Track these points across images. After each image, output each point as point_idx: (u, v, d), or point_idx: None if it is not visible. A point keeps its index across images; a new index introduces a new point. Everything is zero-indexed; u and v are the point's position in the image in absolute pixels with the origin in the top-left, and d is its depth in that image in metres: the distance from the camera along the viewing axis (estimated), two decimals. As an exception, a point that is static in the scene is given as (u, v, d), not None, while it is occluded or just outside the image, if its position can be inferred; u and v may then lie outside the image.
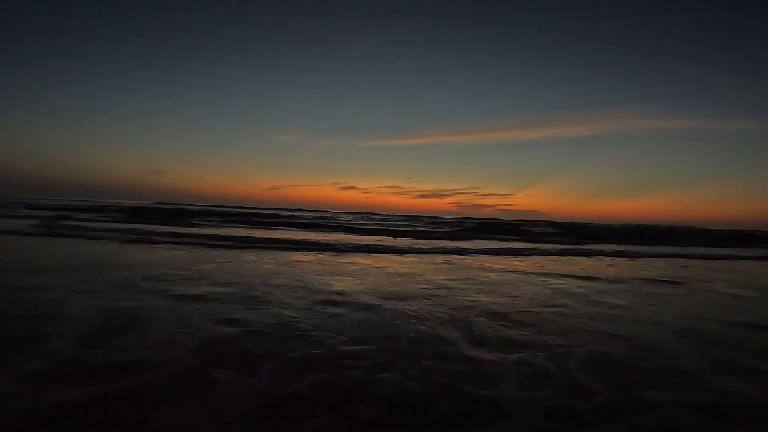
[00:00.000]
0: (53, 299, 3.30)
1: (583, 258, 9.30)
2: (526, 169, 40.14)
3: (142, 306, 3.24)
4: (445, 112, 36.87)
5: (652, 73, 29.88)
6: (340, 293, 4.06)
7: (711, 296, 4.99)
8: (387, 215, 34.93)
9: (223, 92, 33.84)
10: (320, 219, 22.14)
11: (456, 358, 2.44)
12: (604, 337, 2.97)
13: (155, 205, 28.26)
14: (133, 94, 32.56)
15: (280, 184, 52.96)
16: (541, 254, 9.68)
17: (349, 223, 19.47)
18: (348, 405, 1.80)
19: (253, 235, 10.19)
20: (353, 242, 10.20)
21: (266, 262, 6.15)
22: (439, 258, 7.93)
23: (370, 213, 37.18)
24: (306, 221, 19.32)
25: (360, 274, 5.45)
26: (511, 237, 16.11)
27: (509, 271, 6.40)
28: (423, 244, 11.03)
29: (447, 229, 18.37)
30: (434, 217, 30.55)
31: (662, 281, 5.99)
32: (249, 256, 6.68)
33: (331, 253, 8.00)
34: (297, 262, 6.41)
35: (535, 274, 6.27)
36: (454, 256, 8.54)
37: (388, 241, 11.75)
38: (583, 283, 5.55)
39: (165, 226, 12.21)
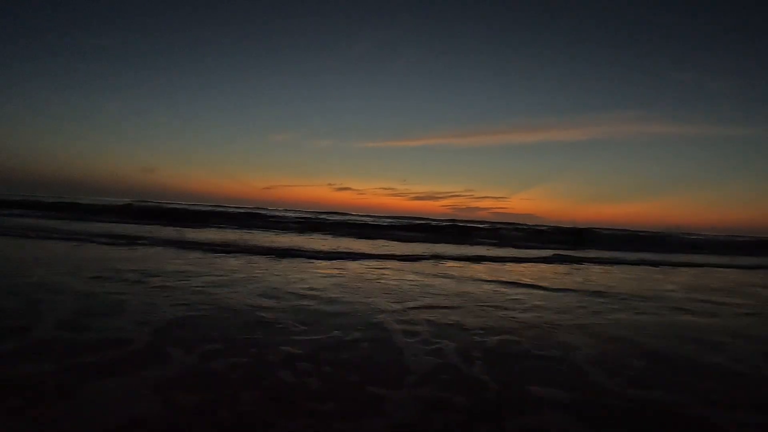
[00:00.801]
0: None
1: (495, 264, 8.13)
2: (521, 172, 40.07)
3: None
4: (440, 114, 36.65)
5: (646, 77, 30.31)
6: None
7: (620, 307, 4.42)
8: (374, 215, 34.56)
9: (219, 90, 32.73)
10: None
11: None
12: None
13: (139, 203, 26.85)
14: (125, 91, 31.09)
15: (275, 184, 51.56)
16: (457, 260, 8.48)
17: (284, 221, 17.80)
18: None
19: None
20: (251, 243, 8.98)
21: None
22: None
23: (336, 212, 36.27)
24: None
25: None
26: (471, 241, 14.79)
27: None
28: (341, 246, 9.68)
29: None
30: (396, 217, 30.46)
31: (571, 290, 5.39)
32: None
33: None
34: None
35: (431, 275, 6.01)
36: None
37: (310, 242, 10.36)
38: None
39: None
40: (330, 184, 44.76)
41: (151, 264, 5.43)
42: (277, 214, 24.25)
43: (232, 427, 1.63)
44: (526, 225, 22.50)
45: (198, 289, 4.07)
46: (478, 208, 47.82)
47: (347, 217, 24.45)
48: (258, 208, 33.04)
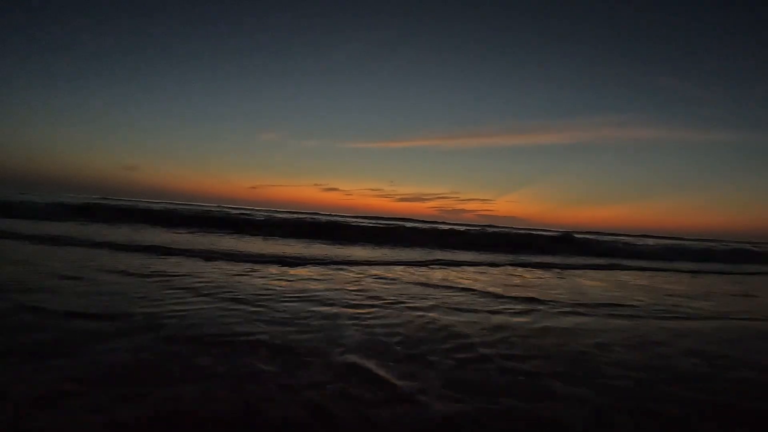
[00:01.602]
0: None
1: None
2: (507, 175, 40.70)
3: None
4: (428, 116, 36.75)
5: (630, 83, 30.38)
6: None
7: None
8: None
9: (205, 88, 32.27)
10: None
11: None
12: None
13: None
14: (109, 88, 30.51)
15: (261, 183, 51.65)
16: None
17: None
18: None
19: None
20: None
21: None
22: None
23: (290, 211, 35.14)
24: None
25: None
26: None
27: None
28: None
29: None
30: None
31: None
32: None
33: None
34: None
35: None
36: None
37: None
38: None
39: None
40: (317, 185, 45.26)
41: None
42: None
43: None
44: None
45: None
46: (464, 210, 48.26)
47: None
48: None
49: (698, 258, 13.81)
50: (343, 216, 27.07)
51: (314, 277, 5.27)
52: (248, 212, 20.29)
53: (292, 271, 5.75)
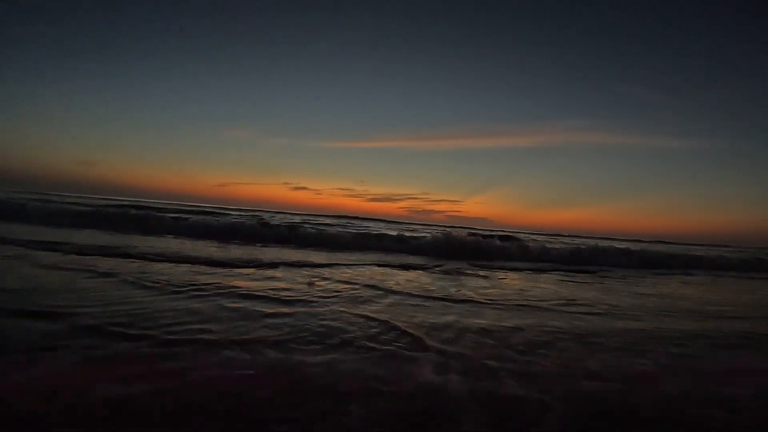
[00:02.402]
0: None
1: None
2: (476, 177, 40.96)
3: None
4: (399, 117, 37.11)
5: (594, 88, 31.10)
6: None
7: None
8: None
9: (168, 83, 30.76)
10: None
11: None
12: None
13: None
14: (65, 81, 28.30)
15: (228, 181, 49.70)
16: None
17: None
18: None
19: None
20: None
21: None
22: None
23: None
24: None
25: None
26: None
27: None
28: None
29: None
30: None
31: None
32: None
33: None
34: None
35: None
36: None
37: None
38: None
39: None
40: (286, 183, 44.23)
41: None
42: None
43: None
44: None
45: None
46: (434, 211, 49.36)
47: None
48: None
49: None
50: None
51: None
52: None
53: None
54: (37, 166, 34.33)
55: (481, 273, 7.27)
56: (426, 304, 4.17)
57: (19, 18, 23.89)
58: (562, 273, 8.20)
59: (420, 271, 7.00)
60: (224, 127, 35.58)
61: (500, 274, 7.37)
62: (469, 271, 7.39)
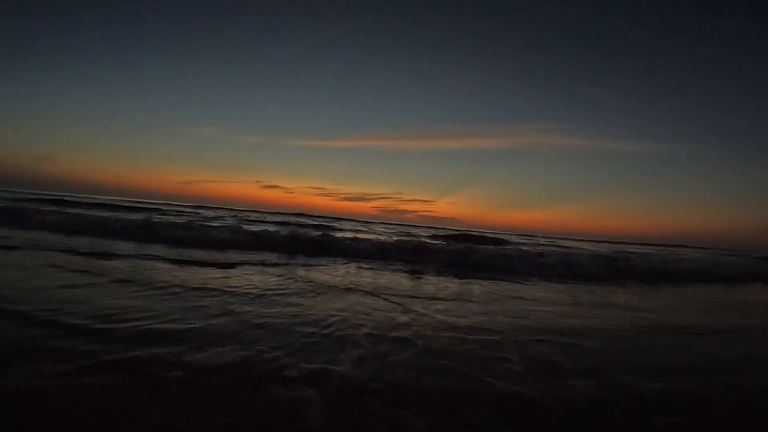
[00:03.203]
0: None
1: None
2: (447, 177, 41.57)
3: None
4: (372, 117, 37.01)
5: (560, 92, 31.99)
6: None
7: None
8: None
9: (133, 78, 29.98)
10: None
11: None
12: None
13: None
14: (22, 74, 27.30)
15: (196, 179, 47.61)
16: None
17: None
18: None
19: None
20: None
21: None
22: None
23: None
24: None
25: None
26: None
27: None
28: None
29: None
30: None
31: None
32: None
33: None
34: None
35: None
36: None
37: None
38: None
39: None
40: (258, 182, 43.22)
41: None
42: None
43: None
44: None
45: None
46: (406, 211, 49.01)
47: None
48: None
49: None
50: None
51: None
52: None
53: None
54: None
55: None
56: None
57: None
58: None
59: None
60: (193, 124, 34.79)
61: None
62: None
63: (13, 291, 3.32)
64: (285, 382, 1.97)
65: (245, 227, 10.95)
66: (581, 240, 33.29)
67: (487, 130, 34.22)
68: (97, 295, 3.36)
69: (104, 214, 12.56)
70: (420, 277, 6.23)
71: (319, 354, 2.39)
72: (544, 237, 32.94)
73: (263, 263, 6.27)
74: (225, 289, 4.03)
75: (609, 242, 32.83)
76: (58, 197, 21.46)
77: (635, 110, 31.07)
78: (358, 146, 37.82)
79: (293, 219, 22.53)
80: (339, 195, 42.92)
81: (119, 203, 21.85)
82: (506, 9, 27.56)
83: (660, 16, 26.53)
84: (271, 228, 11.53)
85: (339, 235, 11.10)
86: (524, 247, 11.99)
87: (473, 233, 21.78)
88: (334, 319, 3.21)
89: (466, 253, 8.92)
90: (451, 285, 5.75)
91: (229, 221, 15.80)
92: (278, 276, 5.18)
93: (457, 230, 24.71)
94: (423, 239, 11.81)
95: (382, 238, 12.71)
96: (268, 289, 4.20)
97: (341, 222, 25.87)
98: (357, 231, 17.69)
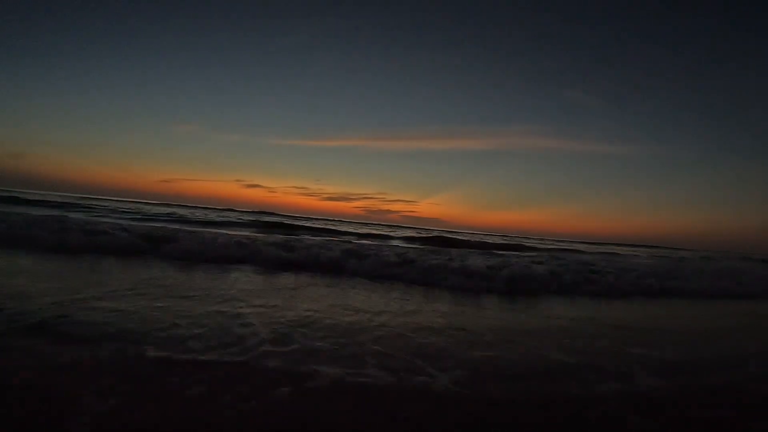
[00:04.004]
0: None
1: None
2: (430, 178, 42.19)
3: None
4: (356, 117, 37.11)
5: (542, 94, 32.88)
6: None
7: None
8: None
9: (111, 76, 29.98)
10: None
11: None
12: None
13: None
14: None
15: (175, 177, 47.95)
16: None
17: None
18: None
19: None
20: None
21: None
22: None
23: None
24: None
25: None
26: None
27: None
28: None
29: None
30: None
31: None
32: None
33: None
34: None
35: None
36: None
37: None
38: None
39: None
40: (239, 180, 43.39)
41: None
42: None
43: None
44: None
45: None
46: (389, 211, 48.98)
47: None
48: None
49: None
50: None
51: None
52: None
53: None
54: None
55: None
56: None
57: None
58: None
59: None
60: (172, 121, 34.45)
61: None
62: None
63: None
64: None
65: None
66: (561, 240, 33.03)
67: (470, 132, 34.43)
68: None
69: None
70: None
71: None
72: (524, 238, 33.18)
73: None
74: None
75: (589, 243, 32.53)
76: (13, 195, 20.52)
77: (614, 112, 31.77)
78: (341, 146, 38.09)
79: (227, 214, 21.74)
80: (322, 195, 42.88)
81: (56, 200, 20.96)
82: (488, 13, 28.08)
83: (638, 20, 27.51)
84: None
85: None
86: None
87: (451, 236, 21.47)
88: None
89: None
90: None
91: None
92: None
93: (437, 230, 24.30)
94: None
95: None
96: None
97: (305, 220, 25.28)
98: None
